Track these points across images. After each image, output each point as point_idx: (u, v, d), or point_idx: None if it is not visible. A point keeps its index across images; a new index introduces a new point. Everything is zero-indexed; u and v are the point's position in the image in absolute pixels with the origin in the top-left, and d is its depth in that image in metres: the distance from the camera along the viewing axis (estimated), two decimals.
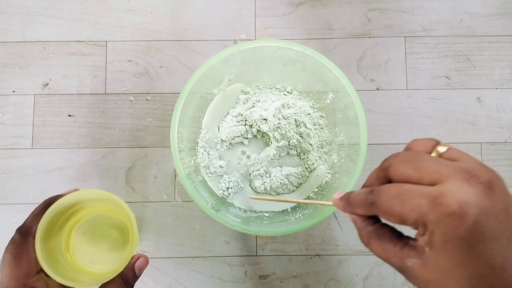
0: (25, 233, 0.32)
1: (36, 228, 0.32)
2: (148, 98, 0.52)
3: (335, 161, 0.48)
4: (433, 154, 0.24)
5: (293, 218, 0.45)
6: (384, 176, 0.25)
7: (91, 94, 0.52)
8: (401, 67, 0.53)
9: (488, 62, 0.53)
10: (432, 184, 0.22)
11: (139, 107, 0.52)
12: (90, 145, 0.51)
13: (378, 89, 0.53)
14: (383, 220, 0.25)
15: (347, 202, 0.26)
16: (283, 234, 0.44)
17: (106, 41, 0.53)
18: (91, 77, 0.52)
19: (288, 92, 0.49)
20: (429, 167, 0.22)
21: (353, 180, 0.40)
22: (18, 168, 0.51)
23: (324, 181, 0.48)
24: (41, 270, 0.32)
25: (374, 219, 0.26)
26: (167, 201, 0.50)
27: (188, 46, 0.53)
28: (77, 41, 0.53)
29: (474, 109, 0.52)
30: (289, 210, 0.47)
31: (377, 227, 0.25)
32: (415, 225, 0.22)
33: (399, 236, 0.24)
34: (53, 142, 0.51)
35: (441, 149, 0.24)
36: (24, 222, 0.33)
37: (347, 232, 0.50)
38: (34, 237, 0.32)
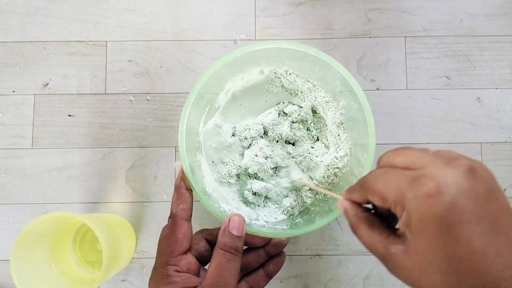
0: (172, 217, 0.36)
1: (179, 211, 0.36)
2: (148, 98, 0.52)
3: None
4: None
5: (293, 223, 0.45)
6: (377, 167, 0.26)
7: (91, 94, 0.52)
8: (401, 67, 0.53)
9: (488, 62, 0.53)
10: (416, 170, 0.23)
11: (139, 107, 0.52)
12: (90, 145, 0.51)
13: (378, 89, 0.53)
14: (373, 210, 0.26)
15: (348, 189, 0.27)
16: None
17: (106, 41, 0.53)
18: (91, 77, 0.52)
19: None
20: (413, 154, 0.24)
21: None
22: (18, 168, 0.51)
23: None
24: (186, 251, 0.35)
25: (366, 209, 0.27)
26: (167, 201, 0.50)
27: (188, 46, 0.53)
28: (77, 41, 0.53)
29: (474, 109, 0.52)
30: (287, 216, 0.47)
31: (368, 214, 0.26)
32: (394, 205, 0.22)
33: (388, 226, 0.25)
34: (53, 142, 0.51)
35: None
36: (171, 209, 0.37)
37: (347, 232, 0.50)
38: (180, 219, 0.35)
